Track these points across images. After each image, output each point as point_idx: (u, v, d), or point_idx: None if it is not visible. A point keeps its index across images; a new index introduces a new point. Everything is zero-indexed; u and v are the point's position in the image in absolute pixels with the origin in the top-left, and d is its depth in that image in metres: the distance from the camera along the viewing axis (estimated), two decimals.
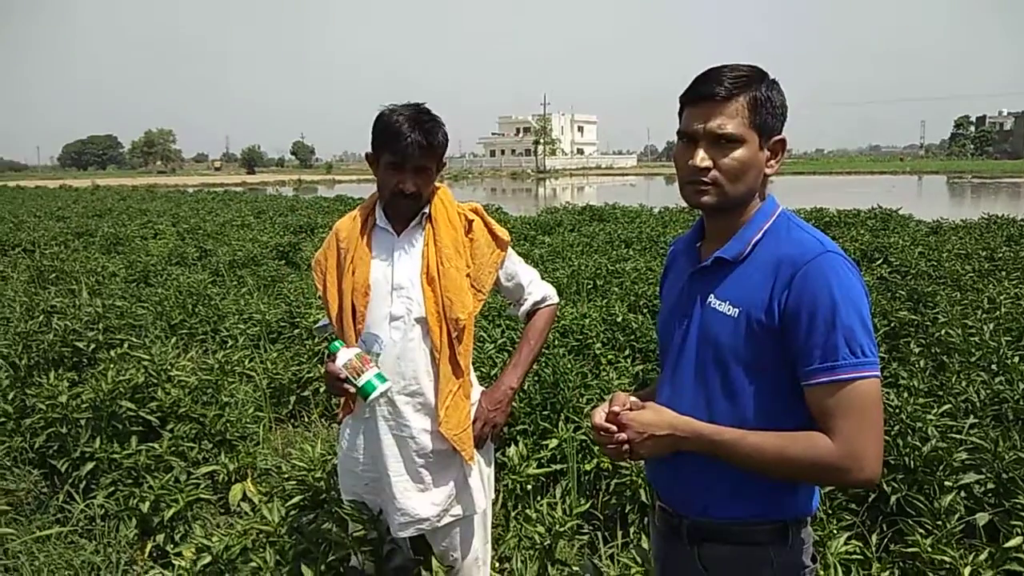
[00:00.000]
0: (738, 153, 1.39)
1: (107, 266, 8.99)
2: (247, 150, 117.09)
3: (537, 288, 2.35)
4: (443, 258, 2.13)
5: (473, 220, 2.22)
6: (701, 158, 1.40)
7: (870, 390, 1.30)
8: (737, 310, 1.40)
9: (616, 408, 1.49)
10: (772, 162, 1.44)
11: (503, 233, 2.26)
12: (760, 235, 1.43)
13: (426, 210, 2.18)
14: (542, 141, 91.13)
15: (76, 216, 17.32)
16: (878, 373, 1.31)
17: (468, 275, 2.17)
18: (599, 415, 1.50)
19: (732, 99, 1.38)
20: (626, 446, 1.46)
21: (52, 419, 3.70)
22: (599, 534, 3.17)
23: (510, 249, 2.30)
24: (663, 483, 1.60)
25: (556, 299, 2.40)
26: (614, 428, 1.47)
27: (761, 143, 1.41)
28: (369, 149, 2.16)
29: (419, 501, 2.16)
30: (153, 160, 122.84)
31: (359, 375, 2.00)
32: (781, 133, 1.44)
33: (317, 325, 2.50)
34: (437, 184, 2.22)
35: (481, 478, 2.27)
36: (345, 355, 2.03)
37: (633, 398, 1.53)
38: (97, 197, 27.93)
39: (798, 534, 1.46)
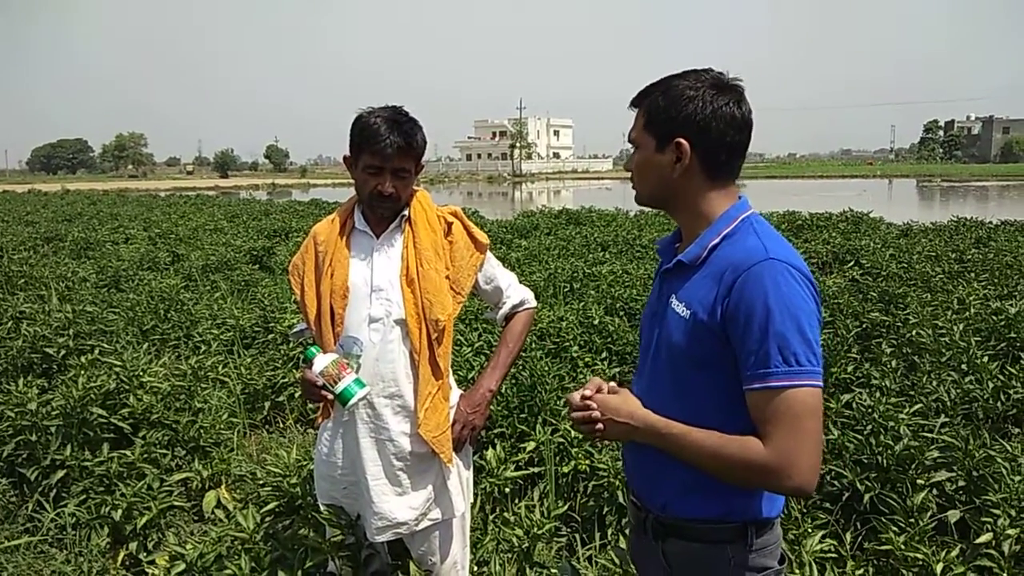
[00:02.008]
0: (636, 156, 1.54)
1: (77, 271, 8.84)
2: (220, 154, 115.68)
3: (515, 292, 2.35)
4: (422, 260, 2.12)
5: (452, 223, 2.22)
6: (627, 161, 1.58)
7: (804, 399, 1.30)
8: (689, 312, 1.43)
9: (588, 392, 1.55)
10: (677, 164, 1.45)
11: (482, 236, 2.26)
12: (719, 239, 1.45)
13: (405, 212, 2.17)
14: (518, 145, 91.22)
15: (45, 221, 17.03)
16: (816, 382, 1.31)
17: (447, 277, 2.17)
18: (576, 396, 1.56)
19: (638, 109, 1.53)
20: (599, 425, 1.51)
21: (21, 426, 3.63)
22: (577, 536, 3.18)
23: (489, 252, 2.30)
24: (633, 475, 1.65)
25: (534, 303, 2.41)
26: (593, 404, 1.52)
27: (658, 146, 1.47)
28: (345, 152, 2.16)
29: (397, 505, 2.15)
30: (124, 164, 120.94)
31: (336, 382, 1.98)
32: (683, 134, 1.43)
33: (293, 330, 2.48)
34: (415, 187, 2.21)
35: (460, 481, 2.26)
36: (321, 362, 2.01)
37: (611, 383, 1.57)
38: (67, 201, 27.48)
39: (758, 536, 1.47)
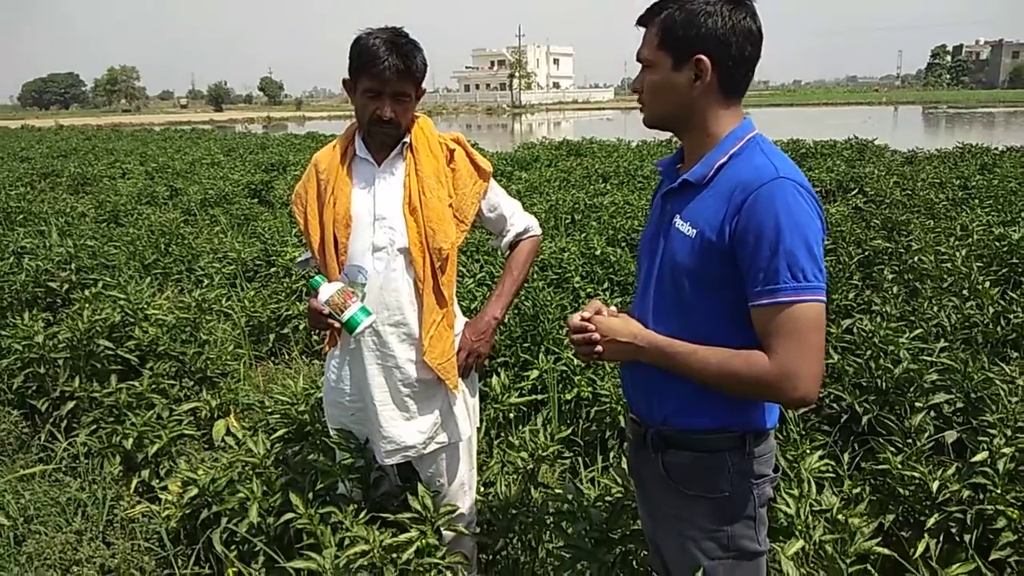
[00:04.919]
0: (649, 76, 1.49)
1: (76, 207, 8.80)
2: (214, 87, 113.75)
3: (520, 219, 2.33)
4: (425, 188, 2.10)
5: (455, 150, 2.19)
6: (635, 82, 1.54)
7: (809, 314, 1.33)
8: (695, 231, 1.44)
9: (587, 314, 1.57)
10: (697, 82, 1.43)
11: (485, 164, 2.23)
12: (725, 159, 1.45)
13: (407, 139, 2.13)
14: (517, 75, 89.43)
15: (40, 156, 16.85)
16: (821, 297, 1.34)
17: (451, 205, 2.15)
18: (576, 317, 1.58)
19: (649, 26, 1.48)
20: (599, 347, 1.54)
21: (29, 359, 3.67)
22: (580, 459, 3.25)
23: (492, 180, 2.27)
24: (631, 394, 1.69)
25: (539, 230, 2.39)
26: (590, 326, 1.55)
27: (675, 64, 1.44)
28: (343, 80, 2.11)
29: (405, 429, 2.18)
30: (117, 98, 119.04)
31: (342, 311, 1.99)
32: (704, 50, 1.40)
33: (298, 260, 2.47)
34: (417, 113, 2.17)
35: (466, 407, 2.30)
36: (327, 291, 2.01)
37: (611, 308, 1.61)
38: (61, 137, 27.16)
39: (756, 444, 1.53)
